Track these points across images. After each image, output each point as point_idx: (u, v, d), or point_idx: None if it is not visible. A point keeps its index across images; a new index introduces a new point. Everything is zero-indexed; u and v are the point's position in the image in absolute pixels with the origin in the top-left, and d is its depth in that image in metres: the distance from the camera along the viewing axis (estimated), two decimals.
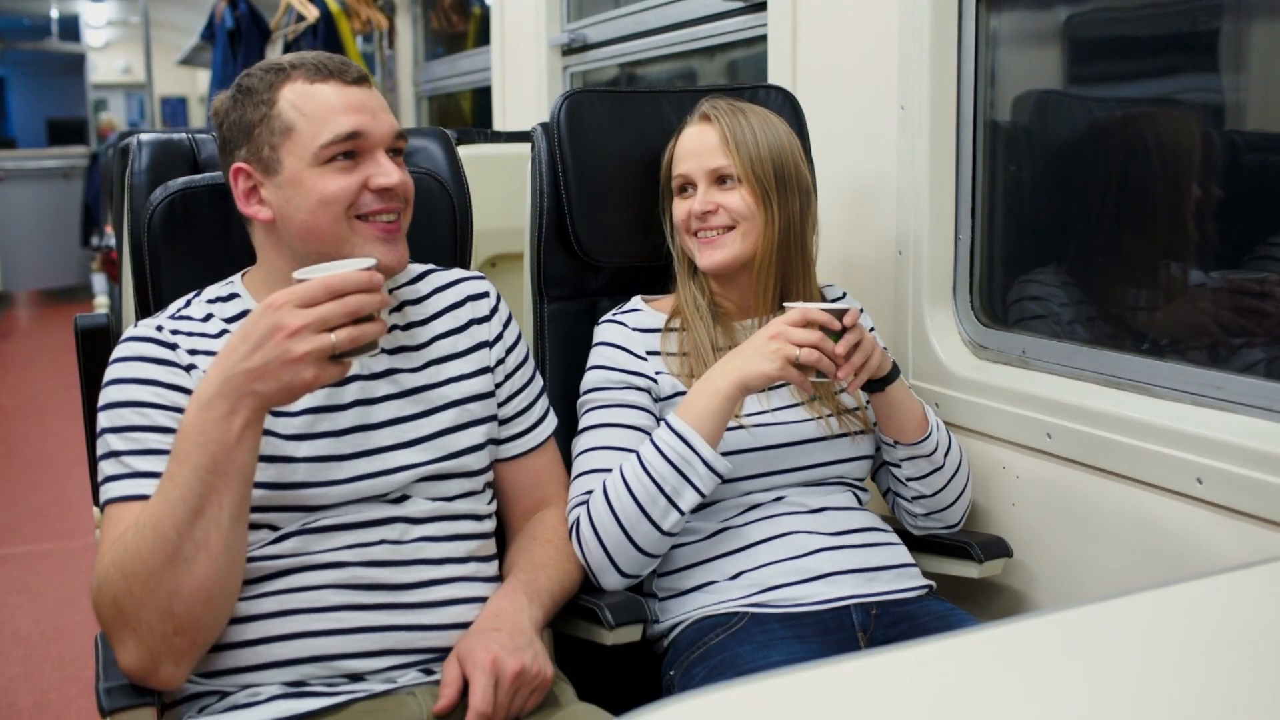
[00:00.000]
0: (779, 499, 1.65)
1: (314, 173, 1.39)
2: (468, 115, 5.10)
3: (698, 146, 1.71)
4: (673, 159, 1.75)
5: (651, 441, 1.54)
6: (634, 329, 1.70)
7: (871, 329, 1.81)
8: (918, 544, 1.76)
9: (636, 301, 1.76)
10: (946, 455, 1.70)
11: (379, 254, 1.41)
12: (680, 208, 1.73)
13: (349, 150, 1.41)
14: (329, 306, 1.22)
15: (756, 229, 1.67)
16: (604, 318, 1.74)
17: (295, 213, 1.41)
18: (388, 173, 1.42)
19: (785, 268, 1.70)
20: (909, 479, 1.70)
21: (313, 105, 1.40)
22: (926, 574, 1.69)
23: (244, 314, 1.46)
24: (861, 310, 1.80)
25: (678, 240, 1.76)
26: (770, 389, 1.67)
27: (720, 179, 1.68)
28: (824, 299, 1.80)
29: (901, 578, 1.64)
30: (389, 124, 1.45)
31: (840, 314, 1.52)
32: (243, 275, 1.52)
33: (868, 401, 1.75)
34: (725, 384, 1.52)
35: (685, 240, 1.73)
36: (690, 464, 1.51)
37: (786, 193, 1.68)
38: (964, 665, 0.79)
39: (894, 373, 1.64)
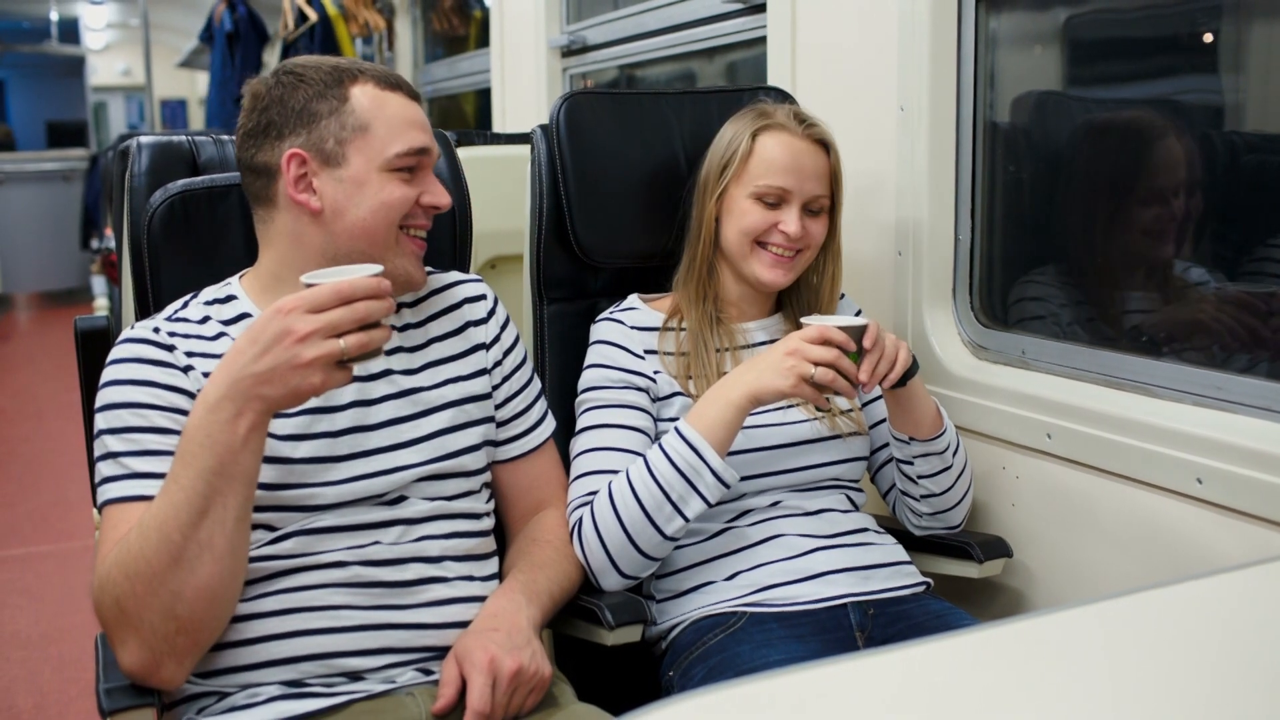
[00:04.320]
0: (775, 503, 1.65)
1: (381, 177, 1.43)
2: (470, 117, 5.09)
3: (810, 167, 1.66)
4: (766, 162, 1.65)
5: (660, 448, 1.52)
6: (632, 327, 1.70)
7: None
8: (918, 544, 1.75)
9: (634, 300, 1.75)
10: (955, 454, 1.69)
11: (412, 269, 1.47)
12: (762, 217, 1.65)
13: (412, 165, 1.45)
14: (338, 312, 1.22)
15: (815, 255, 1.71)
16: (601, 315, 1.74)
17: (354, 209, 1.42)
18: (439, 194, 1.47)
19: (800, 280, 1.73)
20: (920, 477, 1.69)
21: (388, 112, 1.43)
22: (927, 574, 1.69)
23: (242, 316, 1.46)
24: (859, 312, 1.80)
25: (706, 237, 1.70)
26: None
27: (814, 206, 1.68)
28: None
29: (897, 575, 1.64)
30: (436, 148, 1.49)
31: (859, 333, 1.49)
32: (240, 277, 1.51)
33: (871, 400, 1.75)
34: (737, 395, 1.51)
35: (746, 248, 1.67)
36: (699, 473, 1.50)
37: (835, 223, 1.72)
38: (963, 665, 0.79)
39: (914, 368, 1.61)
